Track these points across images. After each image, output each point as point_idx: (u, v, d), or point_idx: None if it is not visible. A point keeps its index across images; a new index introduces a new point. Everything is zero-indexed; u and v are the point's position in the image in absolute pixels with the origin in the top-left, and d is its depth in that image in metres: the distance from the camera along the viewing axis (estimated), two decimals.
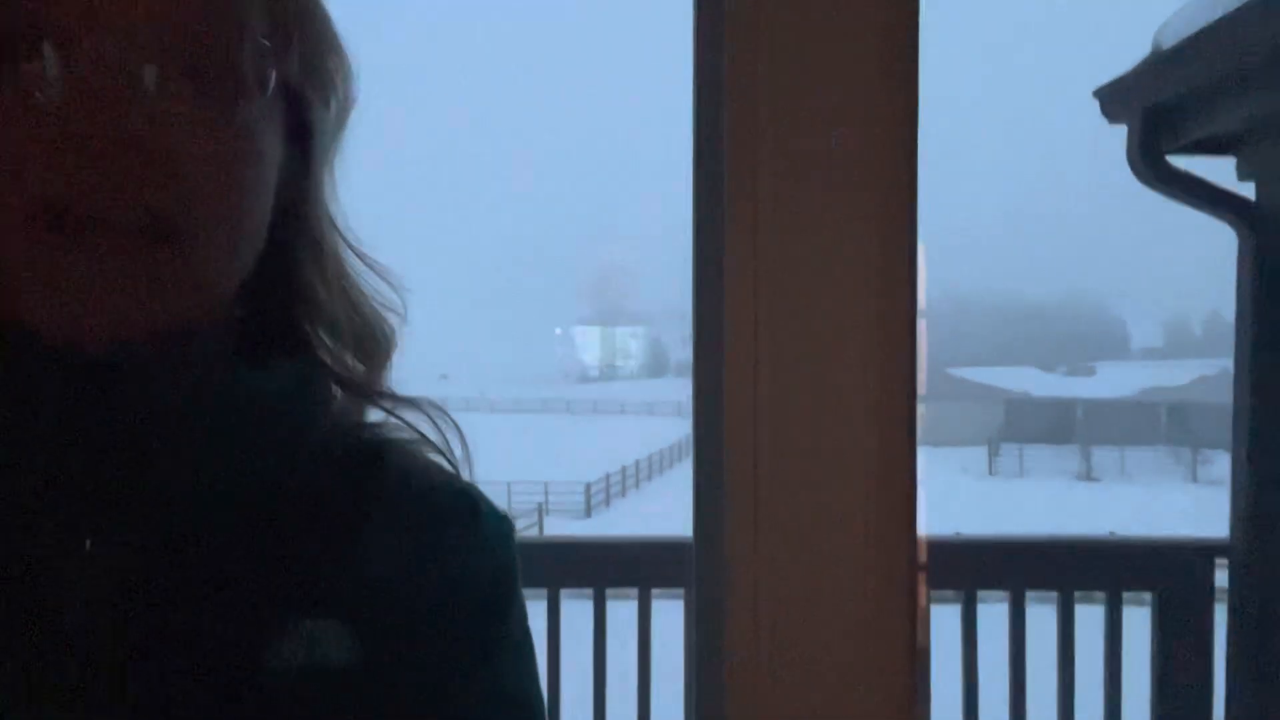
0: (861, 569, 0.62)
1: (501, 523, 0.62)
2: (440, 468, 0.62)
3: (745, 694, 0.62)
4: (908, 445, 0.62)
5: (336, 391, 0.60)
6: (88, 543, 0.50)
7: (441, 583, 0.57)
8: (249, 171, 0.51)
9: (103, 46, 0.46)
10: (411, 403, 0.61)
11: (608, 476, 29.57)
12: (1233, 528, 2.74)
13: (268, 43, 0.51)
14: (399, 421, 0.61)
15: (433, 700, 0.55)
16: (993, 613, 2.63)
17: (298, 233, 0.58)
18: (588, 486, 27.50)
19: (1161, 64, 2.74)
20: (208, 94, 0.49)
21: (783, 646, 0.62)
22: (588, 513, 27.08)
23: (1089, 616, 2.59)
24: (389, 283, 0.61)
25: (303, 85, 0.55)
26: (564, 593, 2.57)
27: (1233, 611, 2.73)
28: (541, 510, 24.13)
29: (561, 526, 24.10)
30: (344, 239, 0.60)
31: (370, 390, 0.61)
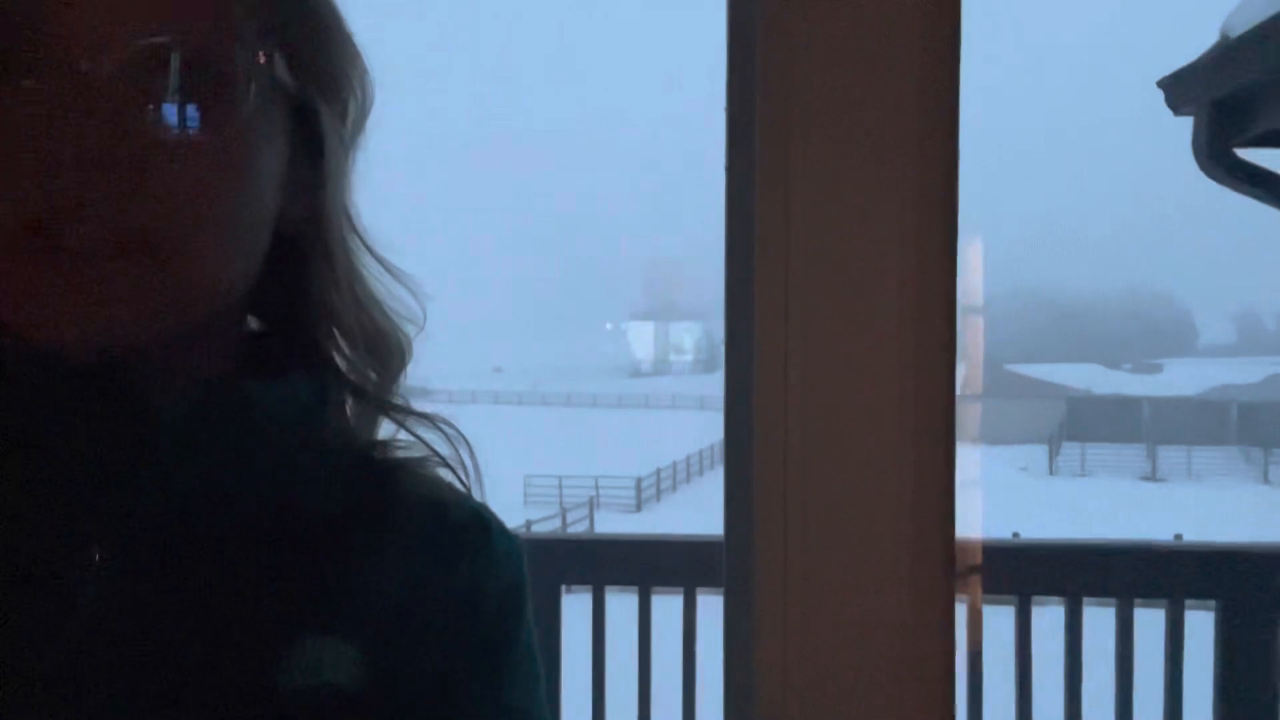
0: (894, 572, 0.60)
1: (512, 543, 0.62)
2: (452, 487, 0.61)
3: (774, 698, 0.61)
4: (946, 444, 0.60)
5: (349, 403, 0.60)
6: (96, 554, 0.50)
7: (452, 602, 0.57)
8: (240, 186, 0.51)
9: (95, 67, 0.45)
10: (425, 416, 0.61)
11: (658, 471, 29.53)
12: None
13: (264, 58, 0.50)
14: (411, 438, 0.61)
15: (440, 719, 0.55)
16: (1050, 614, 2.58)
17: (310, 239, 0.57)
18: (638, 481, 27.51)
19: (1229, 54, 2.65)
20: (200, 111, 0.48)
21: (811, 651, 0.61)
22: (638, 507, 27.10)
23: (1149, 619, 2.52)
24: (409, 289, 0.60)
25: (312, 94, 0.54)
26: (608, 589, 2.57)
27: None
28: (592, 504, 24.21)
29: (612, 520, 24.15)
30: (364, 243, 0.59)
31: (384, 401, 0.60)
